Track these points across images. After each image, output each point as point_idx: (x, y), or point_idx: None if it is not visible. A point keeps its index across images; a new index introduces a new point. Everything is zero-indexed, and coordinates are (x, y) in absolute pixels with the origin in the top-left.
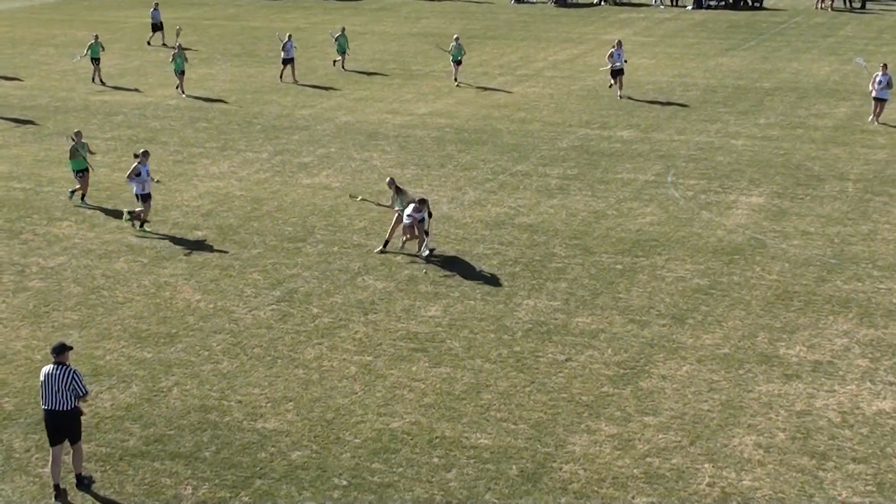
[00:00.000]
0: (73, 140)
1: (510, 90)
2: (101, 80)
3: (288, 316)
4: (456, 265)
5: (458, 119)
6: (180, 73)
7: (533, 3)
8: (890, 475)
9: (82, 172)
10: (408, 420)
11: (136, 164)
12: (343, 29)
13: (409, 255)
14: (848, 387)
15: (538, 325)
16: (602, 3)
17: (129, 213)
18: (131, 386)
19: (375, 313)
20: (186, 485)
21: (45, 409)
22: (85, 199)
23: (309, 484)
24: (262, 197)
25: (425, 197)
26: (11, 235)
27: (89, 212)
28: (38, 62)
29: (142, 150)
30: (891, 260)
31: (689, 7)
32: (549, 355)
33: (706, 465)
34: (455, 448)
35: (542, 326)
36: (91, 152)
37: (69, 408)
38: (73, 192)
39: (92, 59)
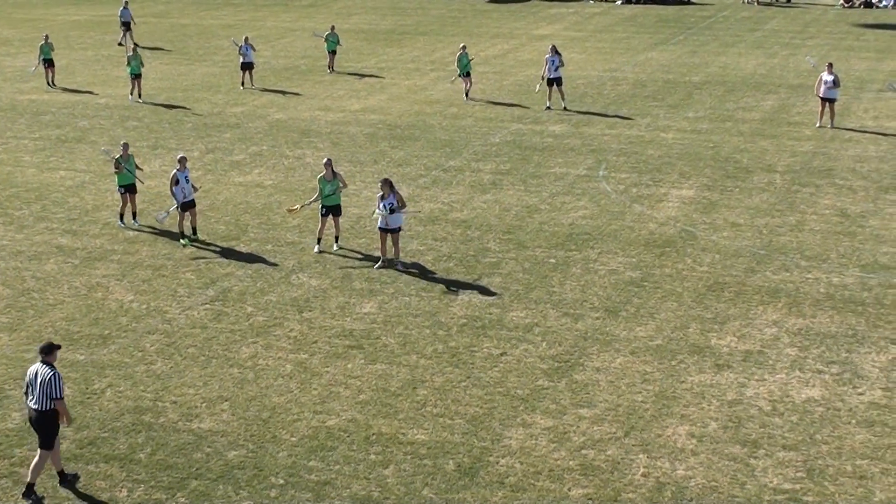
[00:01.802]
0: (114, 154)
1: (442, 86)
2: (52, 82)
3: (222, 315)
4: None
5: (390, 115)
6: (136, 76)
7: None
8: (819, 461)
9: (127, 189)
10: (344, 417)
11: (174, 171)
12: (333, 27)
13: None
14: (778, 375)
15: (473, 320)
16: None
17: (182, 234)
18: (64, 389)
19: (310, 311)
20: (121, 487)
21: (28, 407)
22: (136, 217)
23: (246, 483)
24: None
25: (388, 177)
26: None
27: (18, 213)
28: None
29: (179, 156)
30: (818, 250)
31: (619, 2)
32: (485, 350)
33: (640, 456)
34: (392, 444)
35: (477, 321)
36: (138, 167)
37: (45, 408)
38: (122, 215)
39: (44, 60)
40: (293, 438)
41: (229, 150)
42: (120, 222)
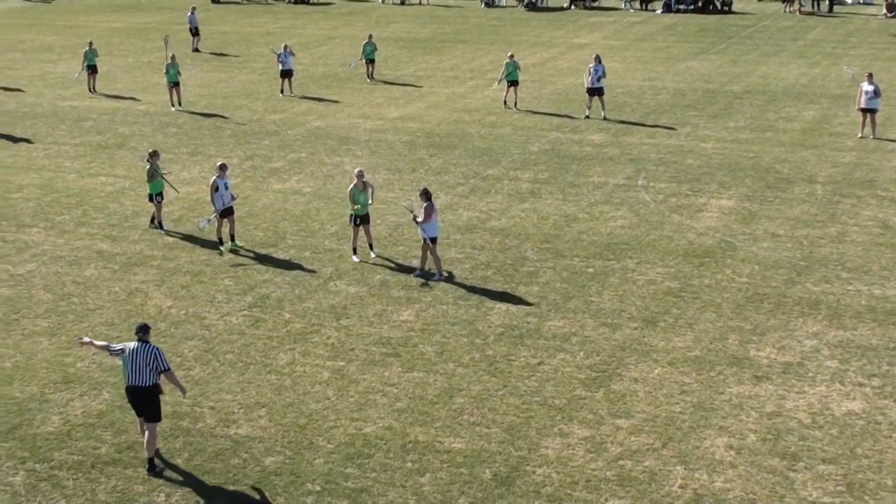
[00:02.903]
0: (149, 161)
1: (481, 94)
2: (93, 88)
3: (260, 321)
4: (428, 269)
5: (429, 123)
6: (174, 84)
7: (503, 7)
8: (859, 475)
9: (160, 196)
10: (381, 425)
11: (214, 178)
12: (370, 36)
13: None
14: (818, 388)
15: (510, 329)
16: (572, 6)
17: (220, 241)
18: (102, 393)
19: (348, 318)
20: (159, 492)
21: (127, 386)
22: (163, 224)
23: (282, 490)
24: None
25: (427, 188)
26: None
27: (59, 218)
28: (5, 67)
29: (219, 163)
30: (859, 262)
31: (659, 11)
32: (522, 359)
33: (678, 467)
34: (428, 452)
35: (515, 330)
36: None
37: (149, 384)
38: (154, 219)
39: (87, 66)
40: (330, 445)
41: (268, 158)
42: (161, 229)
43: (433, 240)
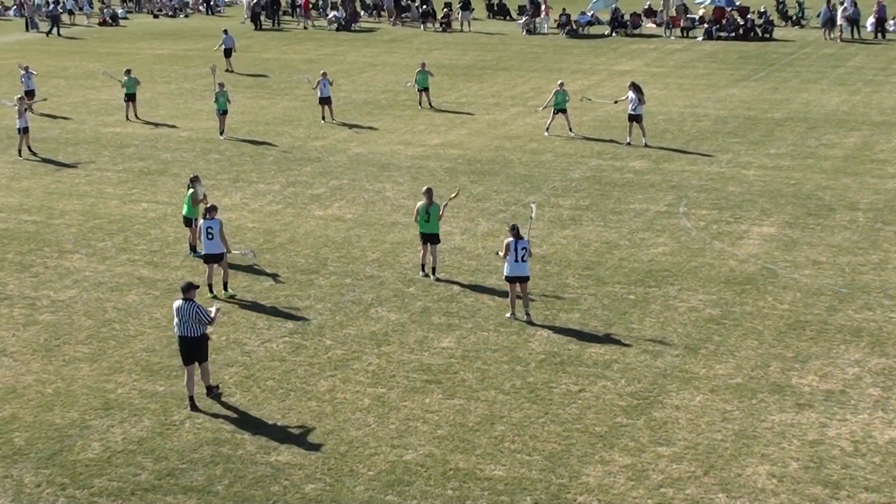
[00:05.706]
0: (192, 186)
1: (522, 121)
2: (136, 116)
3: (301, 348)
4: (469, 296)
5: (470, 150)
6: (223, 112)
7: (545, 34)
8: None
9: (197, 221)
10: (421, 452)
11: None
12: (423, 64)
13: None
14: (860, 416)
15: (551, 356)
16: (613, 34)
17: (210, 289)
18: (143, 419)
19: (389, 345)
20: None
21: (179, 336)
22: (196, 248)
23: None
24: (274, 229)
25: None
26: (22, 269)
27: (100, 244)
28: (49, 94)
29: (209, 205)
30: None
31: (700, 38)
32: (563, 386)
33: (720, 495)
34: (469, 480)
35: (556, 357)
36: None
37: (198, 334)
38: (193, 248)
39: (126, 95)
40: (370, 472)
41: (310, 184)
42: (194, 252)
43: (508, 278)
